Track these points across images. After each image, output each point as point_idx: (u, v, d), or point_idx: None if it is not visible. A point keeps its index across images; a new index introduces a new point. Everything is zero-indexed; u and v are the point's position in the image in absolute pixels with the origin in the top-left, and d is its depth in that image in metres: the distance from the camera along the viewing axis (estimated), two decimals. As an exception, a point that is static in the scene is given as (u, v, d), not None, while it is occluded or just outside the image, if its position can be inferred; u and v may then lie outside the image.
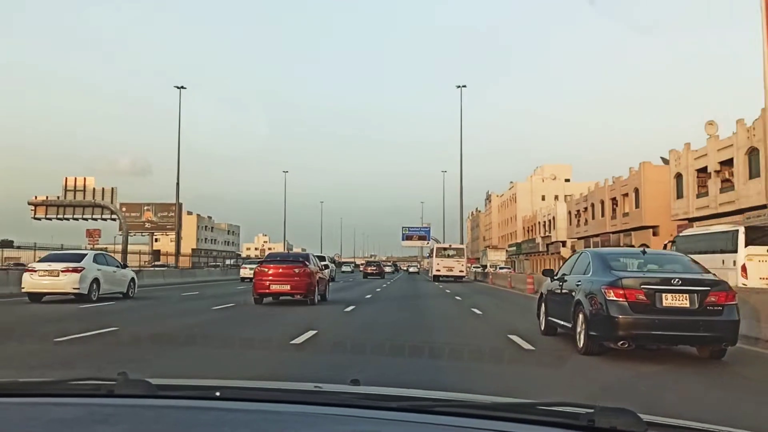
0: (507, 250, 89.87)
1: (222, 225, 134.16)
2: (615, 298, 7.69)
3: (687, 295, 7.58)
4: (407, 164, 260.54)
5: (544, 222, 73.87)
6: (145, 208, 59.55)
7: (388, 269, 69.54)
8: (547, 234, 72.18)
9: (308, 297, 17.22)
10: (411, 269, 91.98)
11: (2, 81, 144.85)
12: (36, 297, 17.71)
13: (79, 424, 1.25)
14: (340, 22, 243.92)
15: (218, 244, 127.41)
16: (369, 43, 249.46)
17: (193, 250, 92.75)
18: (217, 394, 1.44)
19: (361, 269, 63.12)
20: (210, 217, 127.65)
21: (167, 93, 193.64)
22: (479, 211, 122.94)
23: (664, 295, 7.59)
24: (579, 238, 59.41)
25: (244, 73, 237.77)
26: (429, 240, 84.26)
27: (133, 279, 20.50)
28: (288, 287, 17.15)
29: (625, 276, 7.90)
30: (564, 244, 65.13)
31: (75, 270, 17.49)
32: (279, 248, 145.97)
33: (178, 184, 46.06)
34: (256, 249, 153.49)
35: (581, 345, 8.36)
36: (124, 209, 58.51)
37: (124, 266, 21.54)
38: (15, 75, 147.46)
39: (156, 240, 79.75)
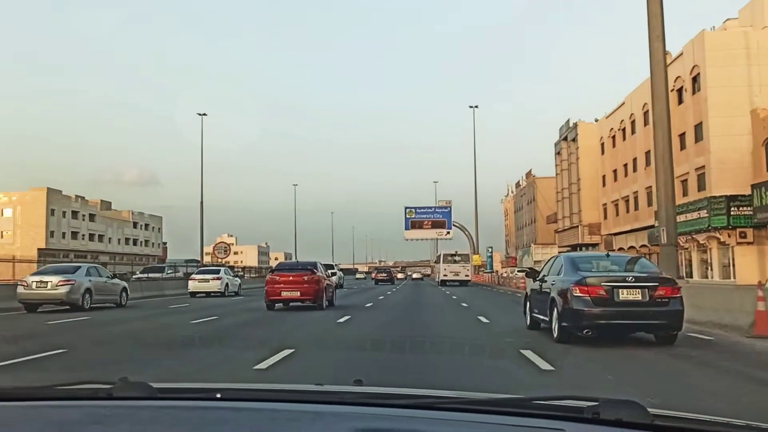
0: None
1: (123, 213, 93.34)
2: (580, 294, 9.21)
3: (639, 290, 9.11)
4: (410, 165, 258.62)
5: None
6: None
7: (400, 275, 71.88)
8: None
9: (317, 302, 18.64)
10: (414, 275, 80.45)
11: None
12: (193, 294, 28.62)
13: (76, 426, 1.25)
14: (345, 25, 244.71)
15: (112, 244, 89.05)
16: (373, 44, 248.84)
17: (40, 250, 62.99)
18: (218, 395, 1.45)
19: (372, 276, 63.89)
20: (107, 203, 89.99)
21: (169, 101, 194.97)
22: (534, 177, 76.45)
23: (620, 290, 9.12)
24: None
25: (241, 77, 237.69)
26: (449, 228, 59.24)
27: (240, 284, 32.18)
28: (298, 294, 18.58)
29: (588, 275, 9.43)
30: None
31: (218, 278, 29.26)
32: (250, 252, 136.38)
33: None
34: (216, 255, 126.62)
35: (555, 335, 9.85)
36: None
37: (236, 276, 34.30)
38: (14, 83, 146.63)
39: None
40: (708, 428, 1.25)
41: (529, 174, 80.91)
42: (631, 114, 43.92)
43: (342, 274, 45.71)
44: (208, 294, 28.57)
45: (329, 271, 22.99)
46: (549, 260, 12.03)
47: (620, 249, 43.82)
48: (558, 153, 59.76)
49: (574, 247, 52.04)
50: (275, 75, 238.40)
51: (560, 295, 9.70)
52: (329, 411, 1.31)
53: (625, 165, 45.42)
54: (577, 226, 53.86)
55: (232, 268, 37.56)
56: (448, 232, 58.76)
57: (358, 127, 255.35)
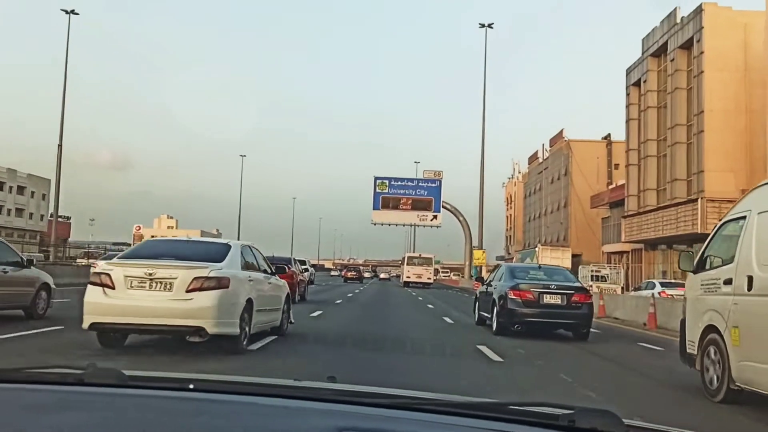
0: None
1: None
2: (514, 297, 11.62)
3: (559, 296, 11.60)
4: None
5: None
6: None
7: (367, 275, 71.45)
8: None
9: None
10: (382, 275, 77.39)
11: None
12: None
13: (45, 410, 1.24)
14: (330, 22, 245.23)
15: None
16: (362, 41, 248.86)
17: None
18: (191, 386, 1.43)
19: (342, 274, 62.45)
20: None
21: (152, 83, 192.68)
22: (568, 141, 52.96)
23: (545, 295, 11.58)
24: None
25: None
26: (437, 210, 42.55)
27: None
28: (272, 287, 20.55)
29: (521, 282, 11.85)
30: None
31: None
32: (192, 236, 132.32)
33: None
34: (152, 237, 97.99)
35: (494, 329, 12.19)
36: None
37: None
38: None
39: None
40: None
41: (558, 137, 54.04)
42: None
43: (314, 270, 47.65)
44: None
45: (302, 267, 25.06)
46: (495, 269, 14.45)
47: None
48: (637, 83, 37.31)
49: (690, 241, 28.25)
50: (250, 65, 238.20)
51: (499, 297, 12.07)
52: (307, 407, 1.31)
53: None
54: (695, 200, 30.18)
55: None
56: (435, 217, 41.57)
57: (332, 122, 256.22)
